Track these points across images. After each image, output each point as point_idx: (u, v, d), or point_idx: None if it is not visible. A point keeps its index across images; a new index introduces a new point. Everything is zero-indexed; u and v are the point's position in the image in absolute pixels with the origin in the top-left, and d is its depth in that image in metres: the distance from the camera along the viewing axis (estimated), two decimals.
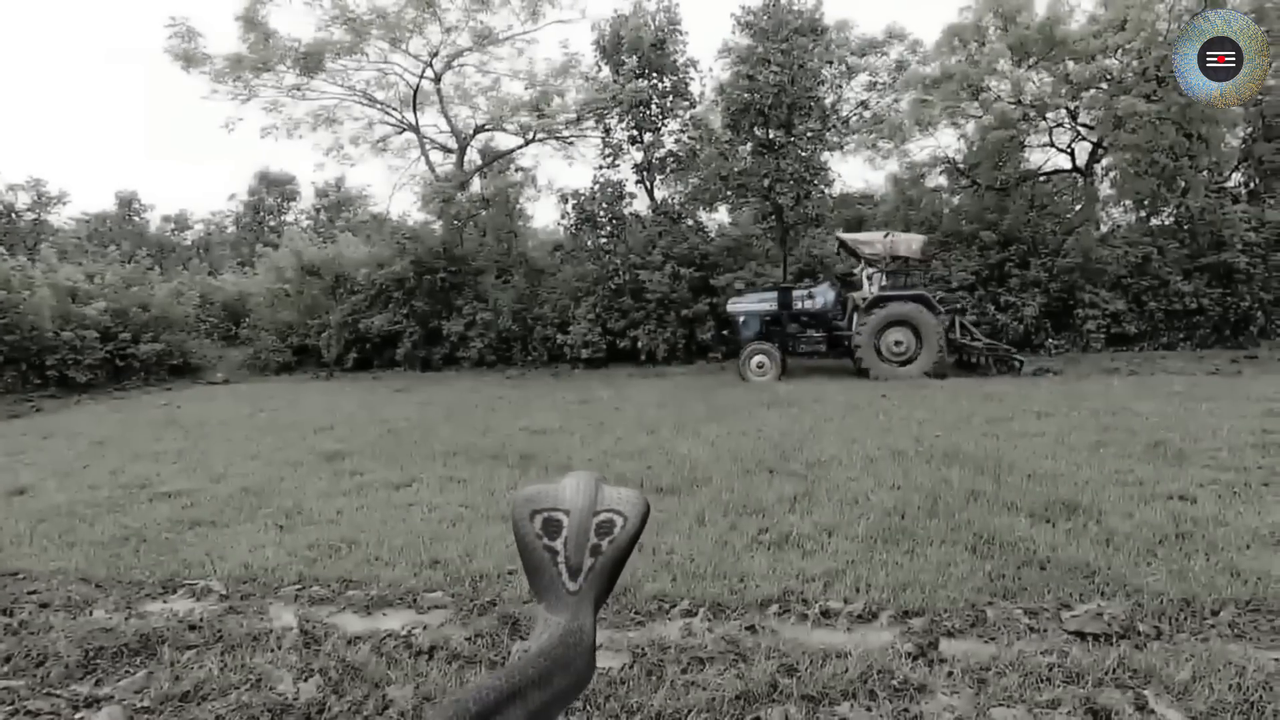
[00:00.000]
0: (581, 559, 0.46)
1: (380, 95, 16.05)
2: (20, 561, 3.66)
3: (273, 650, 2.60)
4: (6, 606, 3.06)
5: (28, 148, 47.39)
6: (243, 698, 2.28)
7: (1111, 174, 15.13)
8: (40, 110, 48.73)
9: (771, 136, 14.57)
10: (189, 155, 55.63)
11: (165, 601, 3.14)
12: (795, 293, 11.17)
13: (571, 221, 15.04)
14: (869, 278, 10.96)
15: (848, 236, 11.50)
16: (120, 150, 53.52)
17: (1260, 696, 2.08)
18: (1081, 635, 2.51)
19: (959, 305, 11.89)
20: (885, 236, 10.93)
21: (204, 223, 32.00)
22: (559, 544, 0.46)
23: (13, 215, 25.76)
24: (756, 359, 10.77)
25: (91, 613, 3.01)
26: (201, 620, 2.86)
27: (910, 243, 10.84)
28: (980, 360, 10.83)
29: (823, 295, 11.19)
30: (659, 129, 14.81)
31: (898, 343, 10.29)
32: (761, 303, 11.24)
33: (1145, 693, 2.13)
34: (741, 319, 11.33)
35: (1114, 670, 2.26)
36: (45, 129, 49.71)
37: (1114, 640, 2.47)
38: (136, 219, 29.98)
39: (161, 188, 54.74)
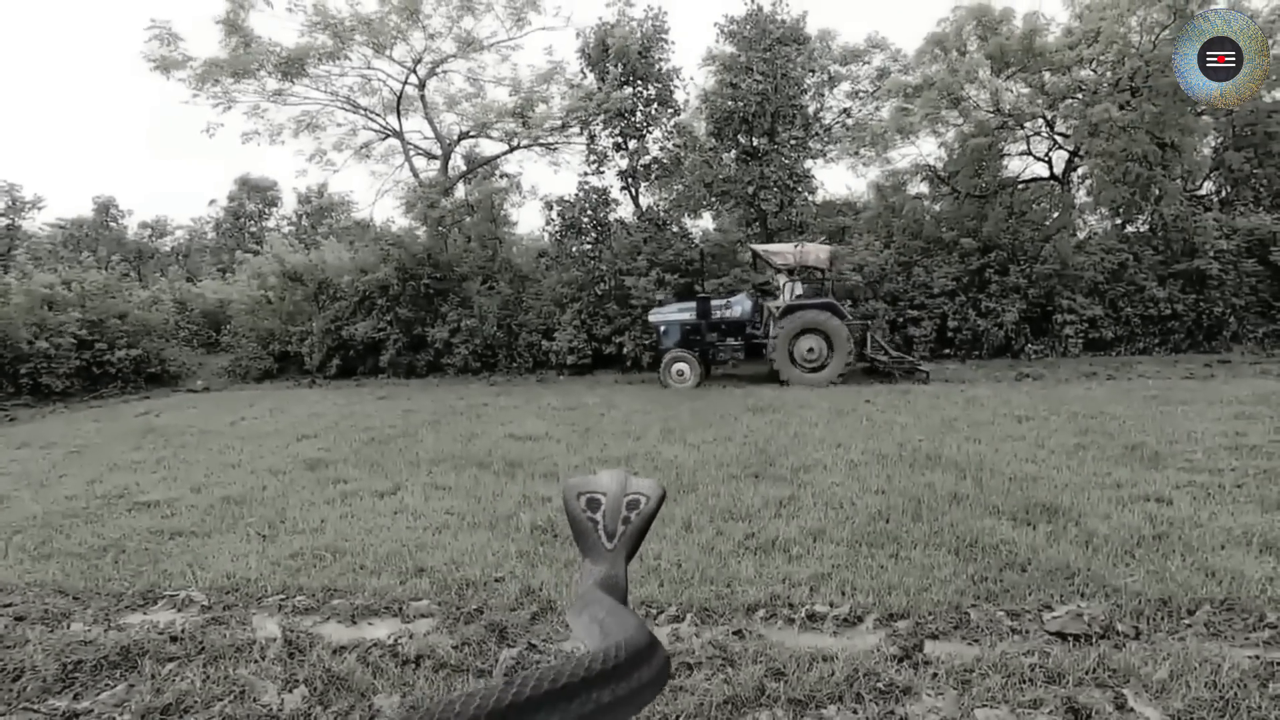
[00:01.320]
0: (616, 526, 0.62)
1: (363, 101, 15.98)
2: None
3: (256, 661, 2.57)
4: None
5: (1, 152, 46.54)
6: (226, 710, 2.26)
7: (1087, 182, 15.42)
8: (14, 114, 47.93)
9: (755, 144, 14.71)
10: (169, 160, 54.97)
11: (145, 613, 3.10)
12: (714, 302, 11.47)
13: (556, 228, 15.04)
14: (783, 287, 11.24)
15: (759, 248, 11.81)
16: (98, 155, 52.76)
17: (1236, 694, 2.13)
18: (1062, 636, 2.55)
19: (871, 318, 12.27)
20: (796, 247, 11.21)
21: (184, 229, 31.63)
22: (599, 516, 0.62)
23: None
24: (677, 366, 11.08)
25: (69, 625, 2.96)
26: (183, 632, 2.82)
27: (819, 253, 11.12)
28: (890, 370, 11.15)
29: (740, 304, 11.46)
30: (643, 136, 14.87)
31: (810, 350, 10.59)
32: (682, 312, 11.49)
33: (1124, 692, 2.17)
34: (663, 328, 11.59)
35: (1094, 670, 2.30)
36: (20, 133, 48.87)
37: (1094, 640, 2.51)
38: (114, 225, 29.55)
39: (140, 193, 53.97)
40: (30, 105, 50.24)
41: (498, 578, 3.28)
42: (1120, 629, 2.58)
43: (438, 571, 3.37)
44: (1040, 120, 14.64)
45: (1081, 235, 15.03)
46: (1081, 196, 15.88)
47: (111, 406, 11.78)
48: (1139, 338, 13.36)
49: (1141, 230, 14.49)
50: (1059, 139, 15.03)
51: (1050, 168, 15.75)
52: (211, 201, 32.03)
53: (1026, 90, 14.18)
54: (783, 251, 11.19)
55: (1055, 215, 14.95)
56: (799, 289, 11.15)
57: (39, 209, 26.65)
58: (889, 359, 11.24)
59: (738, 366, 12.01)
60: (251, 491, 5.02)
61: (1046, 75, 13.77)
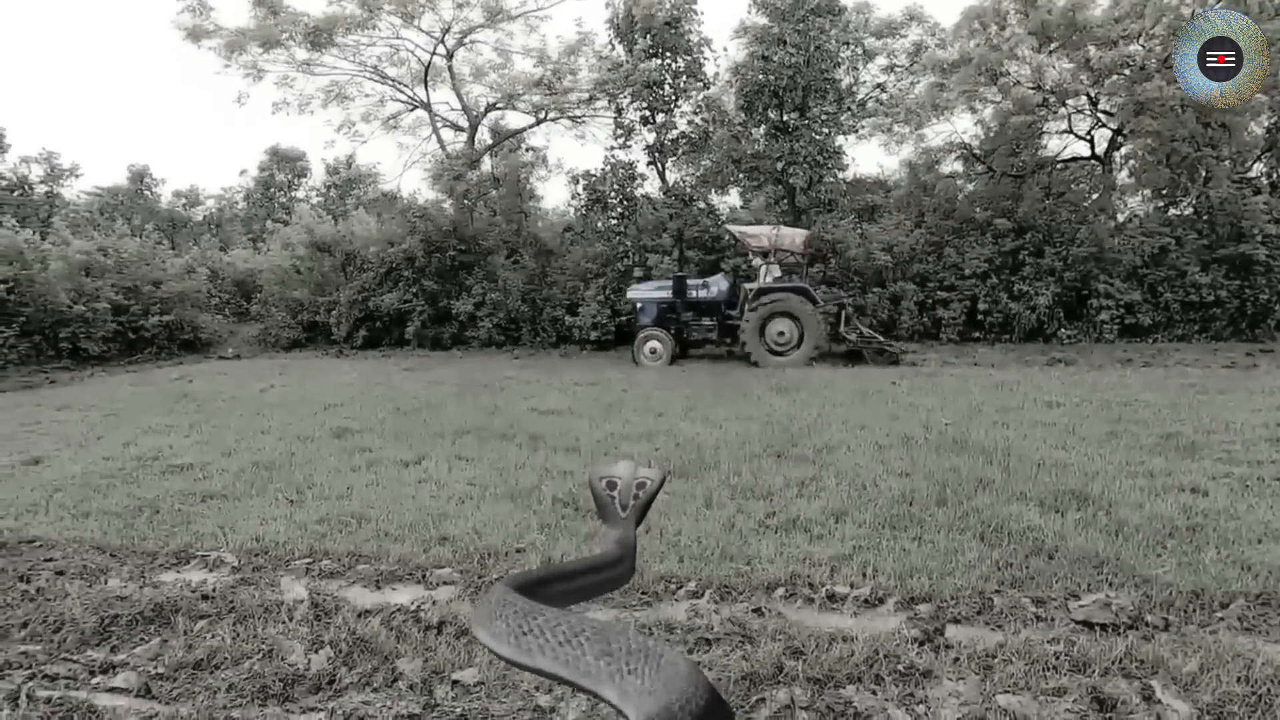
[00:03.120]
0: (628, 500, 0.81)
1: (392, 72, 15.94)
2: (36, 529, 3.71)
3: (284, 622, 2.63)
4: (24, 573, 3.11)
5: (41, 120, 47.51)
6: (255, 667, 2.32)
7: (1130, 162, 14.90)
8: (53, 82, 48.74)
9: (786, 119, 14.42)
10: (202, 129, 55.62)
11: (179, 572, 3.19)
12: (690, 282, 11.55)
13: (582, 202, 14.98)
14: (760, 269, 11.28)
15: (736, 229, 11.85)
16: (133, 123, 53.50)
17: (1269, 690, 2.08)
18: (1089, 625, 2.51)
19: (845, 299, 12.26)
20: (772, 230, 11.25)
21: (215, 198, 32.07)
22: (615, 493, 0.81)
23: (26, 188, 25.87)
24: (650, 345, 11.15)
25: (106, 581, 3.06)
26: (214, 591, 2.90)
27: (794, 237, 11.14)
28: (860, 350, 11.14)
29: (716, 285, 11.55)
30: (671, 110, 14.66)
31: (780, 333, 10.63)
32: (659, 291, 11.59)
33: (1152, 683, 2.13)
34: (640, 305, 11.67)
35: (1121, 660, 2.26)
36: (58, 101, 49.76)
37: (1122, 631, 2.46)
38: (148, 193, 30.05)
39: (174, 162, 54.76)
40: (67, 73, 51.04)
41: (519, 548, 3.31)
42: (1150, 620, 2.53)
43: (460, 540, 3.41)
44: (1083, 97, 14.12)
45: (1121, 217, 14.56)
46: (1123, 177, 15.36)
47: (146, 371, 12.08)
48: (1178, 324, 12.97)
49: (1185, 213, 14.00)
50: (1102, 117, 14.51)
51: (1092, 147, 15.24)
52: (242, 171, 32.44)
53: (1070, 66, 13.66)
54: (758, 234, 11.27)
55: (1095, 196, 14.49)
56: (776, 271, 11.14)
57: (76, 177, 27.22)
58: (859, 339, 11.20)
59: (721, 346, 11.96)
60: (280, 457, 5.12)
61: (1091, 50, 13.25)
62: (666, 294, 11.44)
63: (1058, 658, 2.28)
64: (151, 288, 14.44)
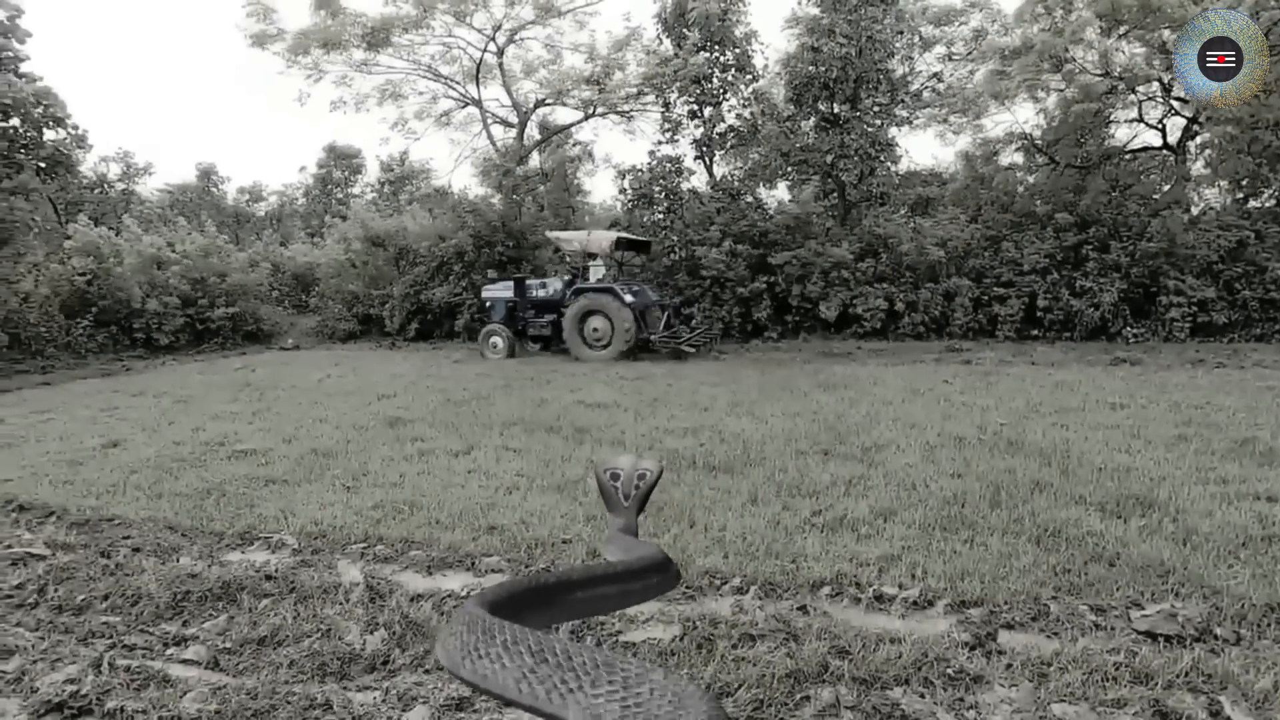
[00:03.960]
0: (630, 490, 0.90)
1: (444, 69, 16.27)
2: (115, 508, 3.94)
3: (341, 603, 2.74)
4: (105, 549, 3.32)
5: (117, 120, 50.09)
6: (314, 645, 2.42)
7: (1206, 152, 14.12)
8: (129, 84, 51.33)
9: (836, 111, 14.15)
10: (264, 127, 57.75)
11: (243, 552, 3.35)
12: (530, 282, 12.50)
13: (629, 197, 15.00)
14: (590, 269, 12.04)
15: (552, 234, 12.96)
16: (200, 121, 55.95)
17: None
18: (1152, 636, 2.41)
19: (670, 300, 12.73)
20: (586, 234, 12.12)
21: (277, 194, 33.30)
22: (619, 484, 0.90)
23: (105, 186, 27.35)
24: (493, 339, 12.04)
25: (179, 559, 3.23)
26: (276, 571, 3.03)
27: (602, 240, 11.88)
28: (656, 349, 11.50)
29: (553, 285, 12.37)
30: (719, 103, 14.55)
31: (595, 329, 11.33)
32: (505, 290, 12.49)
33: (1221, 699, 2.03)
34: (489, 303, 12.67)
35: (1186, 674, 2.16)
36: (133, 102, 52.37)
37: (1188, 643, 2.36)
38: (215, 190, 31.40)
39: (238, 159, 57.08)
40: (141, 75, 53.66)
41: (565, 539, 3.36)
42: (1219, 633, 2.41)
43: (508, 530, 3.48)
44: (1155, 83, 13.42)
45: (1195, 210, 13.81)
46: (1198, 168, 14.56)
47: (212, 360, 12.66)
48: (1256, 323, 12.23)
49: (1267, 205, 13.18)
50: (1175, 104, 13.77)
51: (1164, 136, 14.47)
52: (302, 168, 33.55)
53: (1141, 50, 13.00)
54: (571, 238, 12.21)
55: (1166, 188, 13.77)
56: (600, 272, 11.84)
57: (149, 175, 28.66)
58: (659, 339, 11.44)
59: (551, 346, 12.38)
60: (337, 445, 5.31)
61: (1166, 33, 12.58)
62: (510, 293, 12.35)
63: (1118, 668, 2.20)
64: (217, 279, 15.11)
